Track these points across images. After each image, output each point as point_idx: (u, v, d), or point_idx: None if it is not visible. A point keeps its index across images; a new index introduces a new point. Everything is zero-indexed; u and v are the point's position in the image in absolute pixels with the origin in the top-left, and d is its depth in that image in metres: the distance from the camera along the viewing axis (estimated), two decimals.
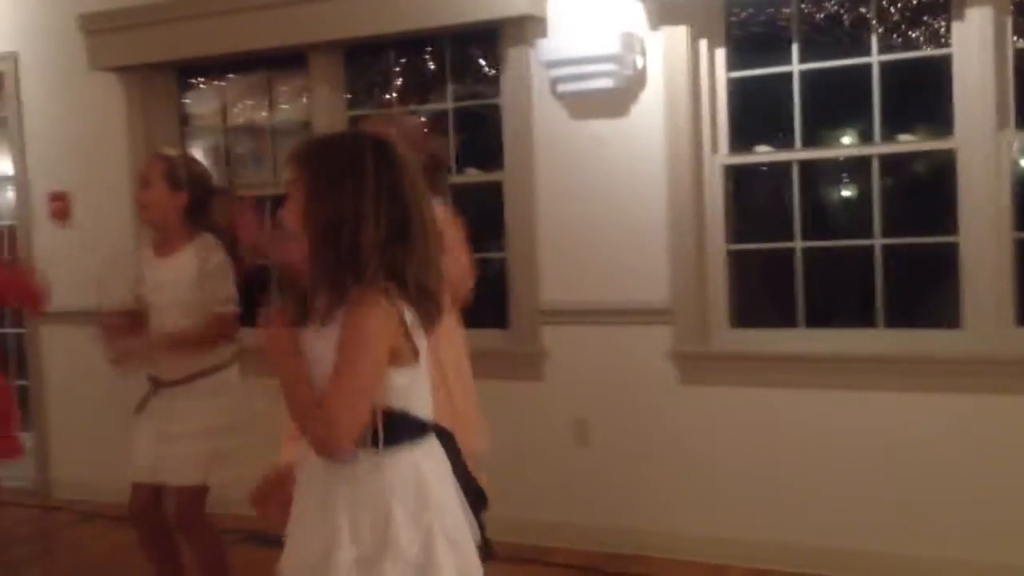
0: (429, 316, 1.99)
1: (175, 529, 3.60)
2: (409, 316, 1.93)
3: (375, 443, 1.92)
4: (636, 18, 4.23)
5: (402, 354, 1.92)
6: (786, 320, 4.26)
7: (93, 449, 5.49)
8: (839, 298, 4.42)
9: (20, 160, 5.72)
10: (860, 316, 4.21)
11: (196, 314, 3.44)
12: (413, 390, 1.98)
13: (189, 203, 3.50)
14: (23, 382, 5.87)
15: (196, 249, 3.48)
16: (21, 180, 5.72)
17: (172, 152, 3.76)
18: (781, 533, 4.15)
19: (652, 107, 4.26)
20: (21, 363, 5.94)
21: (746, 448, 4.21)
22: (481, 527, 2.09)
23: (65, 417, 5.76)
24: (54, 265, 5.59)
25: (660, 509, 4.36)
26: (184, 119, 5.49)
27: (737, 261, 4.34)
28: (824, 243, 4.25)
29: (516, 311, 4.58)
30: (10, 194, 6.01)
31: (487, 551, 2.09)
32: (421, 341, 1.97)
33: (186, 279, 3.46)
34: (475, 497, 2.09)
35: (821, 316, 4.22)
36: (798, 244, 4.20)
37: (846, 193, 4.48)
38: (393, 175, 1.94)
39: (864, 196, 4.20)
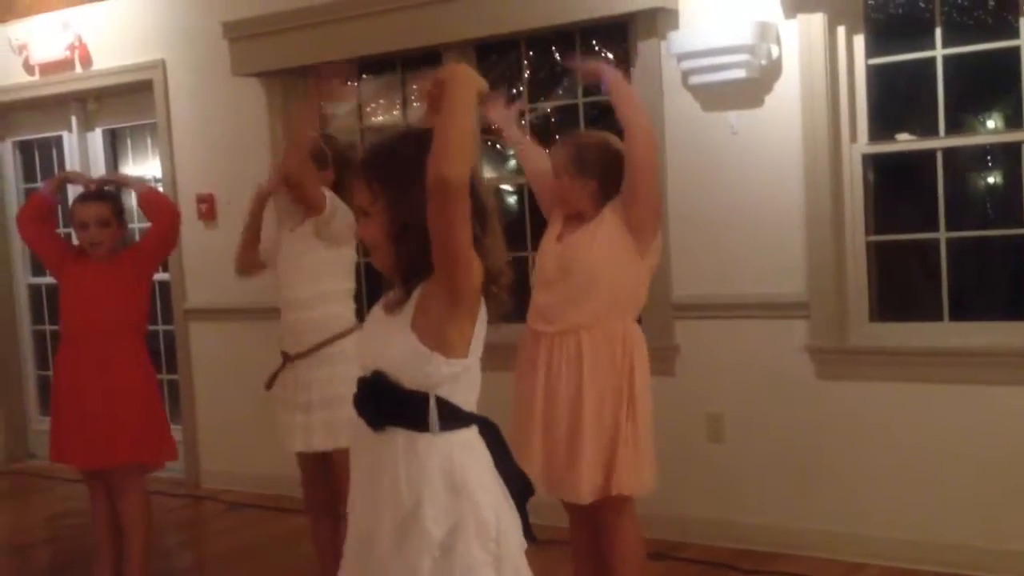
0: (499, 307, 2.02)
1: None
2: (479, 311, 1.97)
3: (415, 425, 1.96)
4: (770, 6, 4.16)
5: (457, 345, 1.95)
6: (930, 313, 4.12)
7: (240, 441, 5.70)
8: (986, 290, 4.26)
9: (169, 163, 5.97)
10: (1009, 308, 4.05)
11: (321, 277, 3.65)
12: (460, 381, 1.99)
13: (335, 179, 3.65)
14: (173, 376, 6.14)
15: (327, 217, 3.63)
16: (170, 182, 5.97)
17: (313, 133, 3.90)
18: (921, 532, 4.03)
19: (788, 97, 4.18)
20: (170, 358, 6.20)
21: (886, 445, 4.09)
22: (524, 515, 2.11)
23: (213, 410, 5.98)
24: (201, 265, 5.88)
25: (795, 506, 4.28)
26: (321, 120, 5.63)
27: (878, 253, 4.23)
28: (971, 233, 4.10)
29: (648, 306, 4.54)
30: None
31: (530, 536, 2.12)
32: (480, 336, 2.00)
33: (309, 247, 3.64)
34: (521, 487, 2.10)
35: (967, 309, 4.08)
36: (943, 235, 4.06)
37: (993, 180, 4.31)
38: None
39: (1013, 183, 4.03)
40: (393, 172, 1.97)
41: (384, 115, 5.57)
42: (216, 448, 5.99)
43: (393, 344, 1.98)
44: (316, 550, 3.91)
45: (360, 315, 3.83)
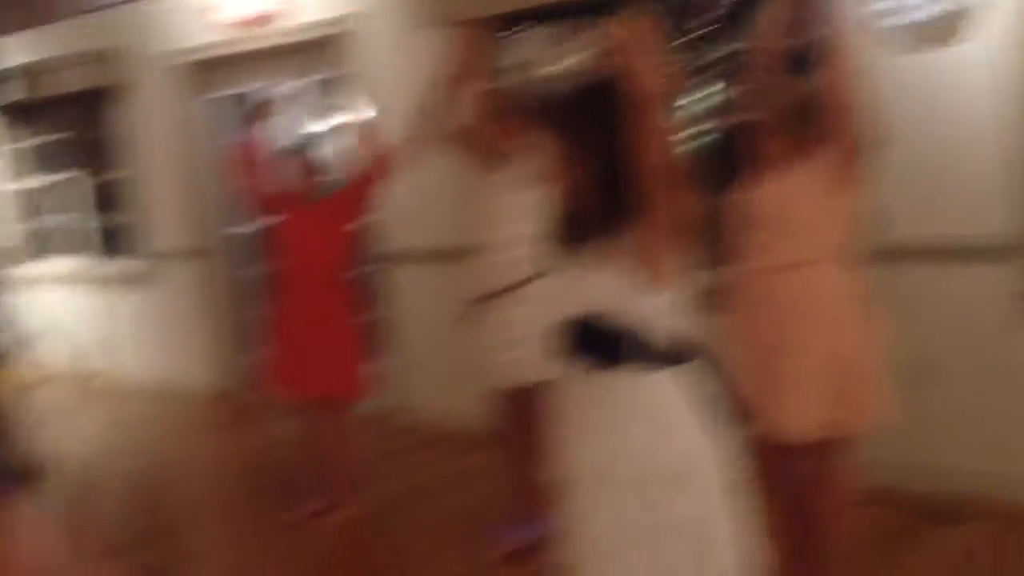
0: (693, 249, 2.06)
1: None
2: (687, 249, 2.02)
3: (633, 363, 2.01)
4: None
5: (670, 280, 2.00)
6: None
7: (442, 378, 5.89)
8: None
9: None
10: None
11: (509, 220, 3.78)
12: (673, 317, 2.03)
13: (519, 126, 3.81)
14: (379, 315, 6.38)
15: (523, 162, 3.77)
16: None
17: (494, 85, 3.99)
18: None
19: (999, 29, 4.00)
20: (377, 298, 6.44)
21: None
22: (734, 450, 2.14)
23: (417, 348, 6.19)
24: (407, 207, 6.06)
25: (1002, 449, 4.17)
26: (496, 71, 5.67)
27: None
28: None
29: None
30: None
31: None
32: (689, 275, 2.05)
33: (509, 190, 3.80)
34: (736, 416, 2.11)
35: None
36: None
37: None
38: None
39: None
40: (581, 119, 2.03)
41: (559, 64, 5.56)
42: (419, 384, 6.18)
43: (604, 283, 2.03)
44: (507, 486, 4.09)
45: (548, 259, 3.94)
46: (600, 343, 2.06)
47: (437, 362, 5.85)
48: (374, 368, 4.44)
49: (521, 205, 3.79)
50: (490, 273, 3.87)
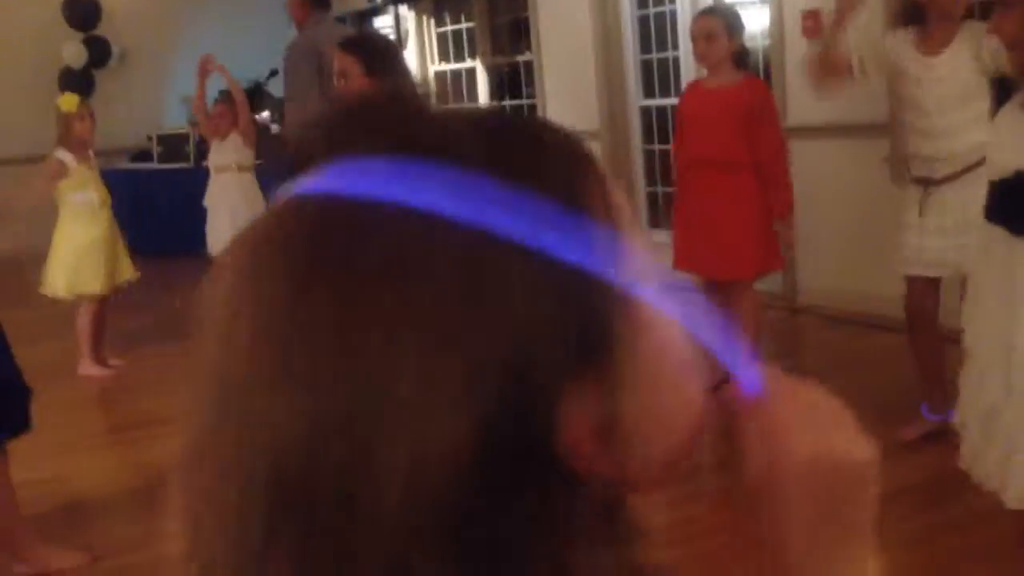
0: None
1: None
2: None
3: None
4: None
5: None
6: None
7: (838, 258, 5.74)
8: None
9: None
10: None
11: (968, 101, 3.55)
12: None
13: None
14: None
15: (967, 37, 3.51)
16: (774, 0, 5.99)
17: None
18: None
19: None
20: None
21: None
22: None
23: (811, 227, 6.03)
24: (804, 81, 5.83)
25: None
26: None
27: None
28: None
29: None
30: (764, 15, 6.32)
31: None
32: None
33: (959, 71, 3.54)
34: None
35: None
36: None
37: None
38: None
39: None
40: None
41: None
42: (814, 264, 6.05)
43: None
44: (917, 367, 3.94)
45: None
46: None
47: (843, 243, 5.67)
48: (776, 246, 4.35)
49: (981, 83, 3.57)
50: (944, 156, 3.63)
